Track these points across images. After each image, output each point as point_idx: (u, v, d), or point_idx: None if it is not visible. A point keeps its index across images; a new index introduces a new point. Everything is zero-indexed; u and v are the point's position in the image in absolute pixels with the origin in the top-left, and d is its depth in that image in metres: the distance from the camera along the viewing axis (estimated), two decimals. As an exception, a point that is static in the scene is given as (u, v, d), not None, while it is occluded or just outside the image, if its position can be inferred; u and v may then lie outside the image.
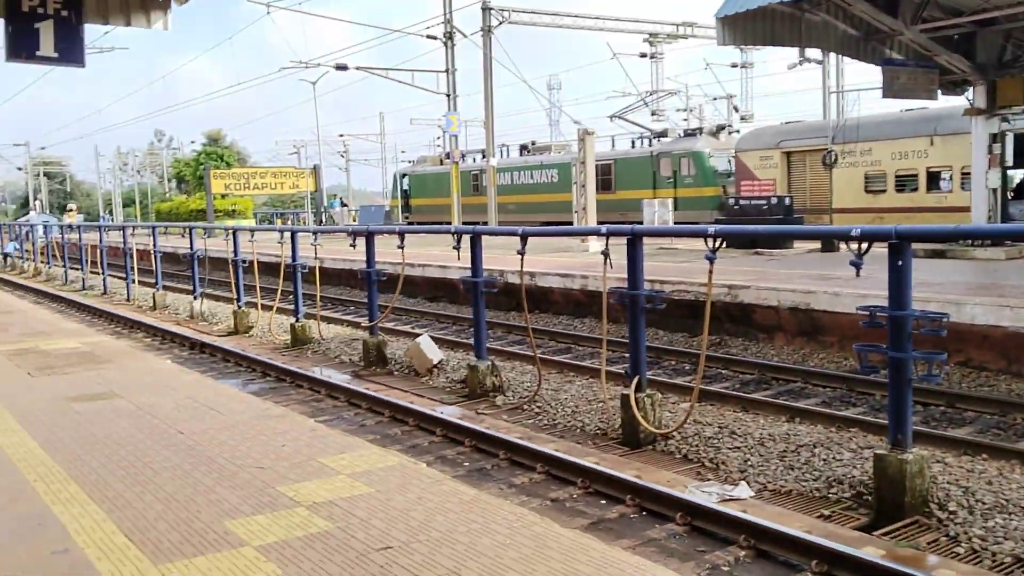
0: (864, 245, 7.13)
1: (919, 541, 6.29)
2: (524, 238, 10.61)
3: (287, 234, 16.09)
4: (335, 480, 5.38)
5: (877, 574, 5.55)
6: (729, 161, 31.28)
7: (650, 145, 35.45)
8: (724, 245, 21.56)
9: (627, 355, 9.33)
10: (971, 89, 17.16)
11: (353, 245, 14.17)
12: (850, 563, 5.72)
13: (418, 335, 14.13)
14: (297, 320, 15.55)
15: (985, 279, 13.72)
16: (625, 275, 9.11)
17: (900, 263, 6.79)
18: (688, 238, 16.21)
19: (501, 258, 18.80)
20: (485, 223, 30.62)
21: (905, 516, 6.63)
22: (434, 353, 13.14)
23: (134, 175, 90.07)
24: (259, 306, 17.23)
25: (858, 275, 7.01)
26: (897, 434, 6.84)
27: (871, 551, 5.90)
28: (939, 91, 17.79)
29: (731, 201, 24.08)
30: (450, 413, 10.50)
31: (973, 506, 6.66)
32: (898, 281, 6.78)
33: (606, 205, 31.06)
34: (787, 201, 22.02)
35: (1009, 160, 17.62)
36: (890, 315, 6.82)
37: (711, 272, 8.45)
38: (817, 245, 20.44)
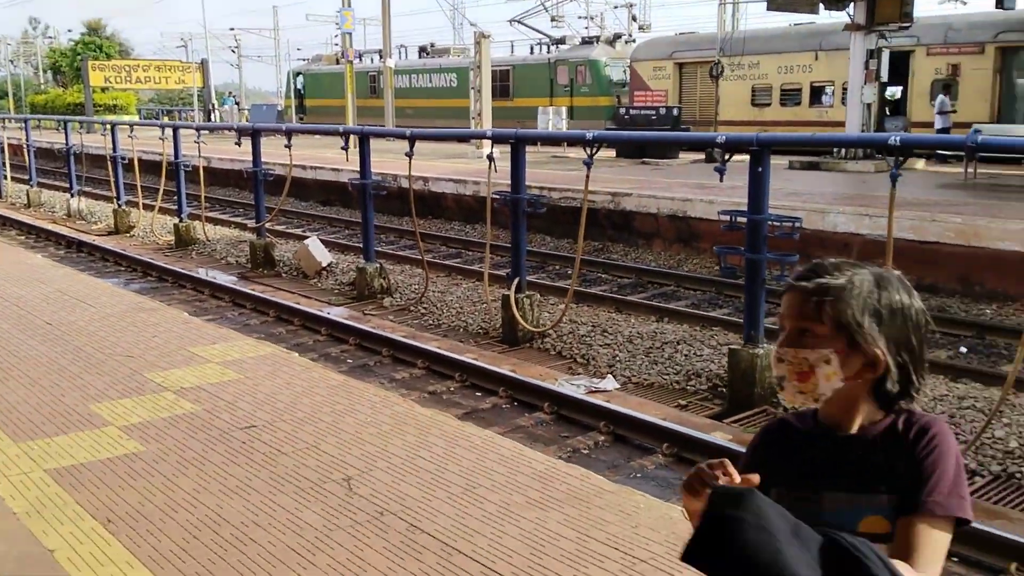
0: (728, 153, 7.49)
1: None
2: (412, 140, 10.66)
3: (168, 130, 15.61)
4: (205, 367, 5.49)
5: (719, 454, 6.02)
6: (624, 71, 31.44)
7: (548, 52, 35.25)
8: (614, 155, 21.96)
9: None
10: (852, 4, 17.66)
11: (238, 143, 13.90)
12: (698, 446, 6.19)
13: (307, 238, 14.09)
14: (181, 220, 15.25)
15: (851, 190, 14.44)
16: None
17: (760, 169, 7.16)
18: (580, 147, 16.49)
19: (394, 163, 18.68)
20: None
21: (755, 405, 7.16)
22: (323, 255, 13.15)
23: (6, 65, 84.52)
24: (140, 205, 16.77)
25: (721, 180, 7.36)
26: (750, 331, 7.33)
27: (719, 436, 6.39)
28: (821, 6, 18.26)
29: (622, 111, 24.38)
30: (336, 313, 10.63)
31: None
32: (756, 187, 7.16)
33: (504, 112, 30.95)
34: (675, 112, 22.44)
35: (885, 76, 18.28)
36: (748, 218, 7.22)
37: (588, 177, 8.73)
38: (702, 155, 21.01)
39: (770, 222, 7.24)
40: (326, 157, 22.86)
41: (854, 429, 1.60)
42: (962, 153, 14.21)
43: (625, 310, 10.37)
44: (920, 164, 19.12)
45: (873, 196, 13.11)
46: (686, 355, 8.47)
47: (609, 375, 8.08)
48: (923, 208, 11.48)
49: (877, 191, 13.95)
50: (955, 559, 4.69)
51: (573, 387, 7.66)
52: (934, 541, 1.50)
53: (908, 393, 1.60)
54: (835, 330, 1.55)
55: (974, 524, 4.90)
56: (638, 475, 5.96)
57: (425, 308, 10.85)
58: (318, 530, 3.37)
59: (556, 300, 10.79)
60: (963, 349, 8.61)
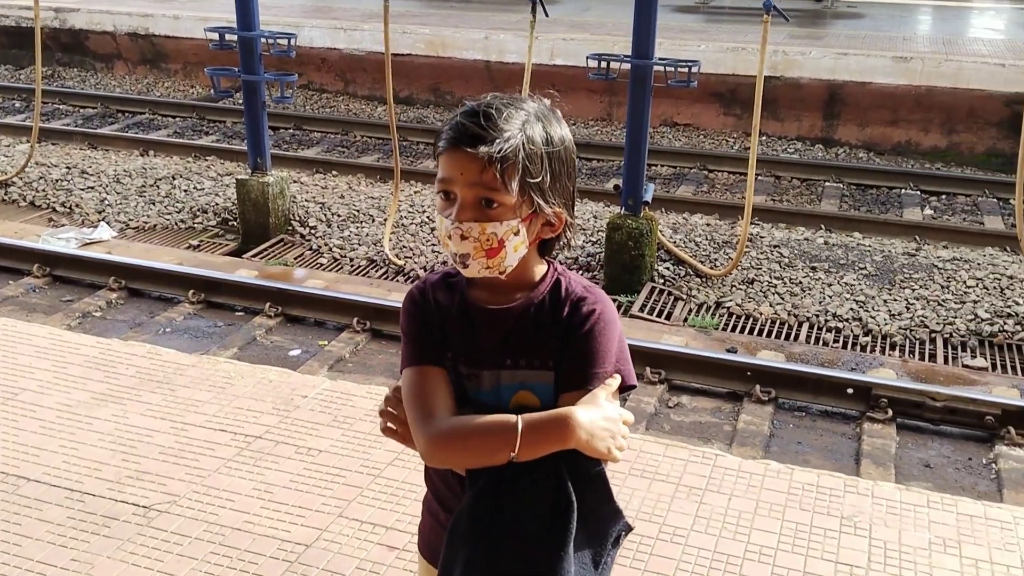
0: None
1: (287, 258, 6.65)
2: None
3: None
4: None
5: (250, 293, 5.76)
6: None
7: None
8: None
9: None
10: None
11: None
12: (225, 287, 5.84)
13: None
14: None
15: (314, 2, 14.16)
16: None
17: (243, -21, 6.58)
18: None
19: None
20: None
21: (271, 236, 6.92)
22: None
23: None
24: None
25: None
26: (256, 158, 6.94)
27: (244, 273, 6.07)
28: None
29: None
30: None
31: (331, 219, 7.20)
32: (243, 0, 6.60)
33: None
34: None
35: None
36: (240, 36, 6.67)
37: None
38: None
39: (265, 39, 6.78)
40: None
41: (514, 299, 1.47)
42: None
43: (101, 146, 9.17)
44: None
45: (339, 8, 13.01)
46: (186, 190, 7.83)
47: (102, 223, 7.15)
48: (394, 20, 11.70)
49: (340, 3, 13.89)
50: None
51: (62, 242, 6.65)
52: None
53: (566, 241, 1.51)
54: (520, 196, 1.39)
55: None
56: (167, 330, 5.46)
57: None
58: None
59: (9, 141, 9.14)
60: (448, 156, 9.18)
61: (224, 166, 8.54)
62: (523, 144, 1.37)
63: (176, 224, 7.27)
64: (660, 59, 5.90)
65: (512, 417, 1.36)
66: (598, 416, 1.37)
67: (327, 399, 3.27)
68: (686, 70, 5.86)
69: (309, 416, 3.11)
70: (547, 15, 6.01)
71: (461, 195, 1.39)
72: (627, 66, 5.86)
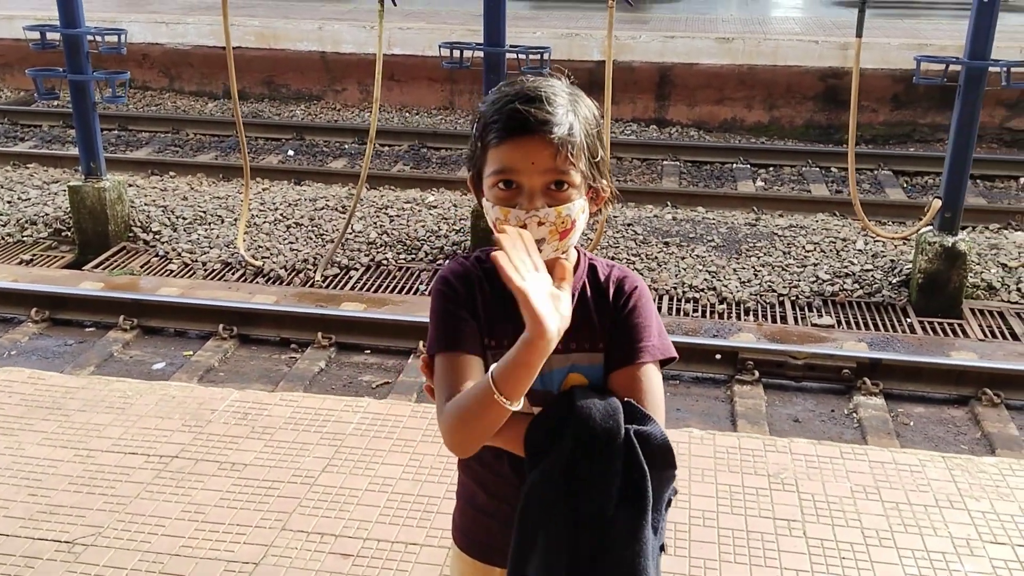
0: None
1: (132, 266, 6.30)
2: None
3: None
4: None
5: (101, 306, 5.44)
6: None
7: None
8: None
9: None
10: None
11: None
12: (71, 302, 5.48)
13: None
14: None
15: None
16: None
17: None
18: None
19: None
20: None
21: (112, 245, 6.54)
22: None
23: None
24: None
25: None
26: (90, 162, 6.53)
27: (89, 286, 5.73)
28: None
29: None
30: None
31: (175, 223, 6.87)
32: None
33: None
34: None
35: None
36: (64, 34, 6.24)
37: None
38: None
39: (92, 36, 6.38)
40: None
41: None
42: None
43: (-99, 158, 8.34)
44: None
45: (157, 1, 12.38)
46: (9, 201, 7.27)
47: (-83, 242, 6.54)
48: (218, 12, 11.23)
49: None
50: (368, 351, 5.08)
51: None
52: (653, 383, 1.48)
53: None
54: (582, 174, 1.41)
55: (384, 315, 5.28)
56: (12, 352, 5.07)
57: None
58: None
59: None
60: (291, 152, 8.93)
61: (49, 173, 7.99)
62: (581, 123, 1.40)
63: (3, 238, 6.74)
64: (512, 46, 5.99)
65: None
66: (542, 295, 1.28)
67: (239, 411, 3.14)
68: (538, 57, 5.97)
69: (224, 430, 2.98)
70: (395, 3, 5.95)
71: (530, 183, 1.38)
72: (479, 54, 5.91)
